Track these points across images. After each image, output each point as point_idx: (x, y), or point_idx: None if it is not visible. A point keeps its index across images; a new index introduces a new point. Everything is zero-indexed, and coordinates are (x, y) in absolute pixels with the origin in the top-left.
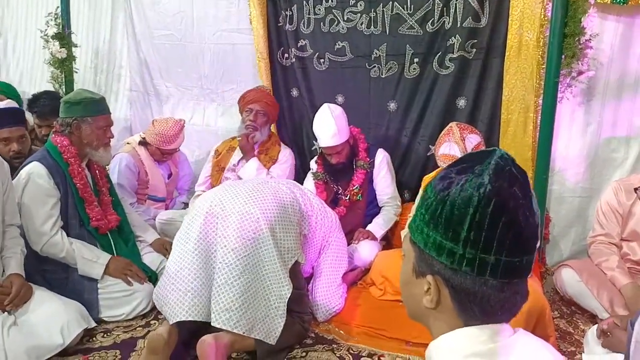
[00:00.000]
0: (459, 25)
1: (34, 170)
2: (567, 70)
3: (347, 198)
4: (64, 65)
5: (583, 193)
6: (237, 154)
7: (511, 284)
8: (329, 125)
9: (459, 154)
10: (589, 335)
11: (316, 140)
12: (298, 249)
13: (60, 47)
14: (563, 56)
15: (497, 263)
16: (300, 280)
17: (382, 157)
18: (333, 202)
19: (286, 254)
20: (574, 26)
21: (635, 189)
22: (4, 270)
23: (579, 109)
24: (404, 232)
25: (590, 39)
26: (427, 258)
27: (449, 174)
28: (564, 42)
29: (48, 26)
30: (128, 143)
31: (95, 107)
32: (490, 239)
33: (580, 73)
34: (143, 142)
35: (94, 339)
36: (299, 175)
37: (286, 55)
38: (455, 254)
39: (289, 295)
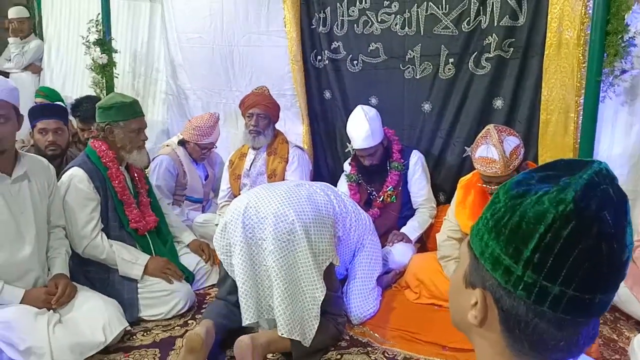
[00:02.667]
0: (495, 24)
1: (75, 175)
2: (609, 68)
3: (380, 200)
4: (105, 71)
5: (628, 196)
6: (249, 159)
7: (573, 322)
8: (363, 127)
9: (496, 157)
10: (635, 343)
11: (349, 142)
12: (332, 251)
13: (101, 53)
14: (605, 54)
15: (561, 295)
16: (335, 282)
17: (416, 159)
18: (367, 204)
19: (320, 255)
20: (617, 23)
21: None
22: (49, 270)
23: (622, 108)
24: (439, 235)
25: (634, 37)
26: (481, 269)
27: (530, 179)
28: (606, 40)
29: (89, 32)
30: (167, 145)
31: (127, 111)
32: (558, 267)
33: (623, 71)
34: (182, 142)
35: (135, 337)
36: (334, 179)
37: (319, 57)
38: (512, 274)
39: (322, 298)
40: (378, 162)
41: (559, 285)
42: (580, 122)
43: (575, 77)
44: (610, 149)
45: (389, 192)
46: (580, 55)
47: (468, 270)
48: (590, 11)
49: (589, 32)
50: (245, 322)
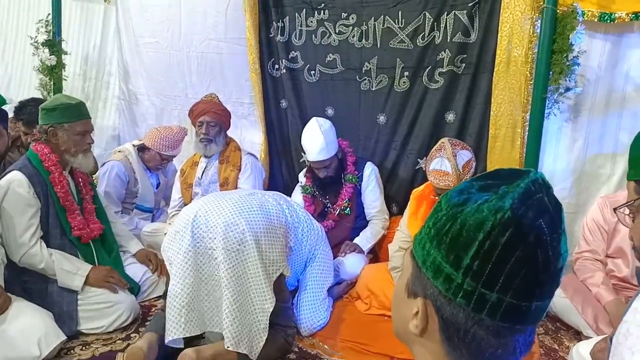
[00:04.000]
0: (449, 40)
1: (14, 179)
2: (554, 86)
3: (337, 213)
4: (53, 73)
5: (569, 209)
6: (200, 168)
7: (511, 330)
8: (318, 140)
9: (450, 170)
10: (574, 353)
11: (304, 152)
12: (283, 261)
13: (50, 55)
14: (551, 72)
15: (499, 303)
16: (285, 293)
17: (370, 170)
18: (321, 216)
19: (271, 266)
20: (562, 42)
21: (614, 209)
22: None
23: (566, 125)
24: (391, 246)
25: (577, 56)
26: (423, 278)
27: (470, 188)
28: (552, 59)
29: (38, 33)
30: (120, 151)
31: (72, 113)
32: (496, 274)
33: (567, 89)
34: (141, 148)
35: (72, 351)
36: (288, 188)
37: (277, 66)
38: (452, 281)
39: (271, 309)
40: (333, 174)
41: (497, 293)
42: (526, 137)
43: (522, 93)
44: (555, 164)
45: (344, 205)
46: (527, 72)
47: (410, 280)
48: (538, 30)
49: (536, 50)
50: (174, 336)
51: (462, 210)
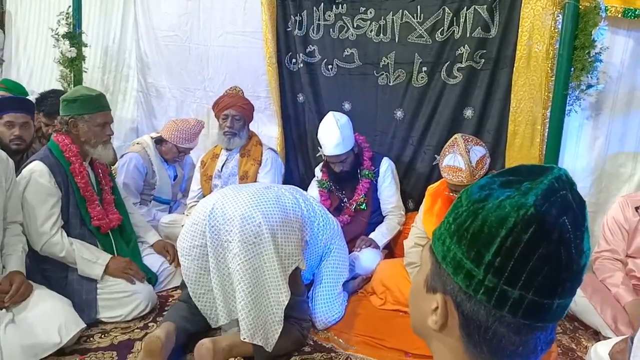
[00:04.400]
0: (468, 35)
1: (36, 169)
2: (576, 82)
3: (353, 208)
4: (74, 65)
5: (589, 208)
6: (221, 160)
7: (532, 327)
8: (334, 134)
9: (463, 166)
10: (592, 353)
11: (321, 146)
12: (299, 255)
13: (71, 47)
14: (572, 69)
15: (521, 300)
16: (300, 286)
17: (387, 166)
18: (337, 210)
19: (286, 259)
20: (584, 39)
21: (637, 208)
22: (4, 267)
23: (587, 122)
24: (407, 242)
25: (600, 52)
26: (443, 274)
27: (492, 184)
28: (574, 55)
29: (59, 25)
30: (138, 143)
31: (92, 104)
32: (518, 271)
33: (589, 86)
34: (159, 140)
35: (92, 339)
36: (304, 182)
37: (294, 60)
38: (473, 278)
39: (286, 302)
40: (349, 168)
41: (519, 290)
42: (546, 134)
43: (543, 90)
44: (574, 162)
45: (360, 200)
46: (548, 68)
47: (429, 275)
48: (560, 26)
49: (557, 46)
50: (219, 323)
51: (484, 207)
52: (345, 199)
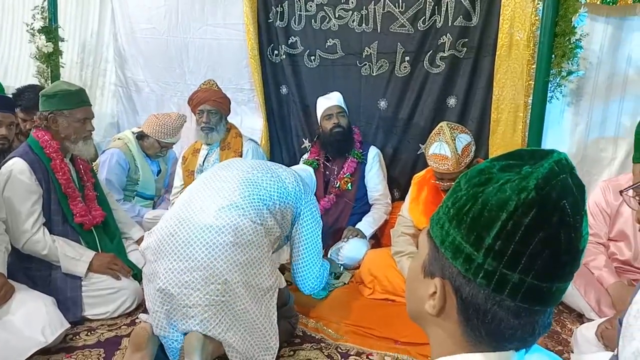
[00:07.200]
0: (450, 24)
1: (15, 167)
2: (557, 69)
3: (337, 186)
4: (50, 60)
5: None
6: (202, 155)
7: (530, 311)
8: (335, 94)
9: (449, 154)
10: (577, 335)
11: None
12: (275, 279)
13: (47, 42)
14: (553, 56)
15: (520, 284)
16: (283, 295)
17: (375, 154)
18: (322, 191)
19: (264, 296)
20: (565, 25)
21: (620, 192)
22: None
23: (568, 109)
24: (394, 231)
25: (580, 39)
26: (441, 258)
27: (491, 168)
28: (555, 42)
29: (34, 20)
30: (119, 139)
31: (72, 100)
32: (519, 254)
33: (569, 73)
34: (140, 135)
35: (78, 337)
36: None
37: (276, 52)
38: (473, 262)
39: (277, 347)
40: (344, 128)
41: (519, 273)
42: (528, 121)
43: (524, 77)
44: (557, 148)
45: (345, 179)
46: (529, 56)
47: (427, 260)
48: (540, 13)
49: (538, 33)
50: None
51: (484, 190)
52: (332, 178)
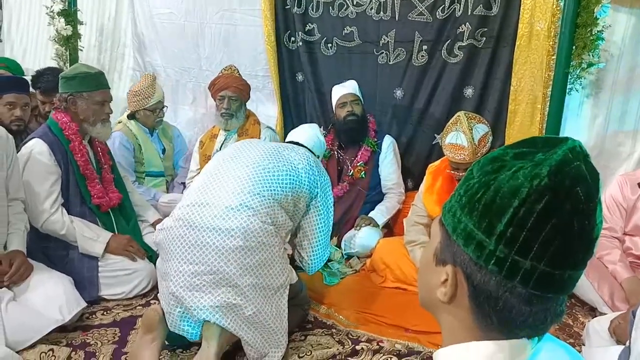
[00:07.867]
0: (469, 13)
1: (35, 147)
2: (577, 61)
3: (350, 174)
4: (69, 43)
5: None
6: (219, 141)
7: (542, 298)
8: (351, 83)
9: (465, 144)
10: (590, 328)
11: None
12: (285, 276)
13: (66, 24)
14: (574, 47)
15: (532, 270)
16: (295, 286)
17: (389, 143)
18: (336, 179)
19: (274, 295)
20: (587, 16)
21: (639, 184)
22: (5, 246)
23: (587, 101)
24: (407, 220)
25: (602, 30)
26: (453, 245)
27: (504, 156)
28: (576, 33)
29: (54, 2)
30: (119, 122)
31: (91, 82)
32: (531, 241)
33: (590, 64)
34: (131, 115)
35: (94, 316)
36: None
37: (292, 38)
38: (484, 249)
39: (286, 343)
40: (358, 116)
41: (531, 260)
42: (546, 113)
43: (544, 68)
44: None
45: (359, 167)
46: (550, 47)
47: (439, 248)
48: (562, 3)
49: (559, 24)
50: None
51: (496, 177)
52: (345, 166)
